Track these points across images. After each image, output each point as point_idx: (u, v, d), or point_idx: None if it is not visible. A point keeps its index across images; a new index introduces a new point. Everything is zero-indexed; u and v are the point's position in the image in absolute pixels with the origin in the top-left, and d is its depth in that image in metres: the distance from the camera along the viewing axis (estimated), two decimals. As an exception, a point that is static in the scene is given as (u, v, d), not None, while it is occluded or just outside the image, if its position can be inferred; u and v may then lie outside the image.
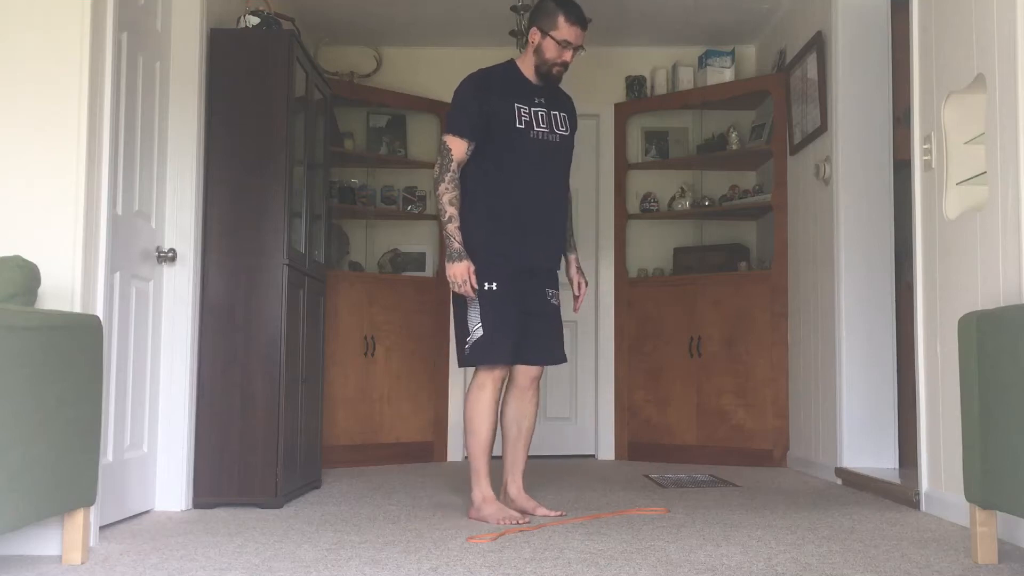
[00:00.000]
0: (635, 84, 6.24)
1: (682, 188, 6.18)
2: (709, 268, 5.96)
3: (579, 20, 3.64)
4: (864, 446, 4.64)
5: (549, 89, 3.73)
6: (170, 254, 3.77)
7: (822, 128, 4.96)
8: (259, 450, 3.87)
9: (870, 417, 4.66)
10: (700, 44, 6.21)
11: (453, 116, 3.64)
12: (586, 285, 3.89)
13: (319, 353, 4.59)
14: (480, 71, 3.72)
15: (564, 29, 3.61)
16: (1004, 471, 2.55)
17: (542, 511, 3.62)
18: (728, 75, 6.07)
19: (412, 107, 6.15)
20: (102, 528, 3.19)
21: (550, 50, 3.63)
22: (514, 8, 5.00)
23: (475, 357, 3.57)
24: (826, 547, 2.97)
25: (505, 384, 3.69)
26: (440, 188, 3.58)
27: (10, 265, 2.61)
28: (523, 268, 3.64)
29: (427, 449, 5.92)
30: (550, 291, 3.73)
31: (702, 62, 6.12)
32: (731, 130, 5.99)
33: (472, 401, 3.61)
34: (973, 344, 2.72)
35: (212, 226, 3.94)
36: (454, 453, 6.03)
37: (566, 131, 3.73)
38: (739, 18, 5.86)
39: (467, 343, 3.57)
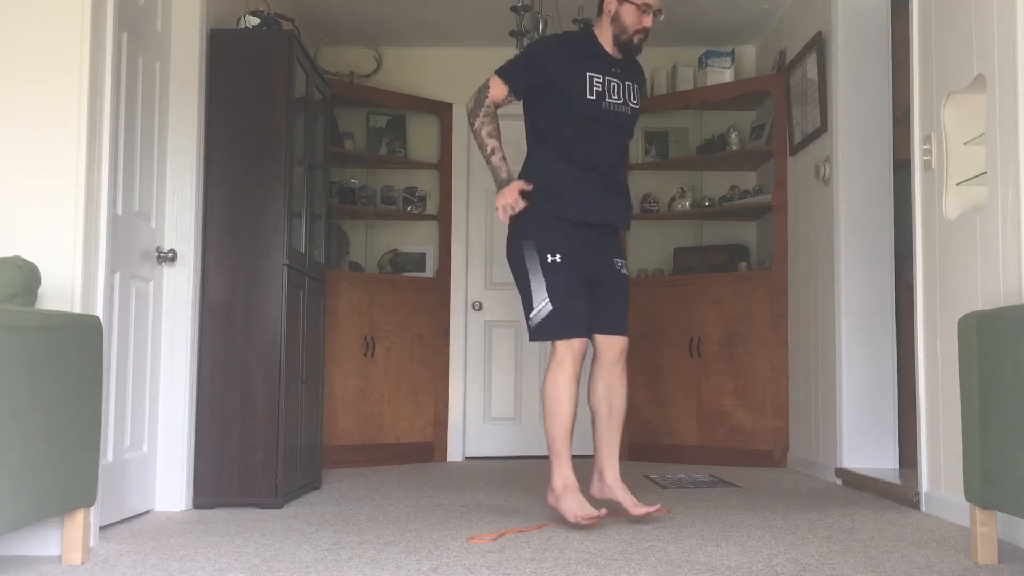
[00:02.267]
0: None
1: (682, 188, 6.18)
2: (709, 268, 5.96)
3: None
4: (864, 446, 4.64)
5: (625, 59, 3.59)
6: (170, 254, 3.77)
7: (822, 128, 4.96)
8: (259, 450, 3.87)
9: (870, 417, 4.65)
10: (700, 44, 6.21)
11: (513, 63, 3.54)
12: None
13: (319, 353, 4.59)
14: (561, 35, 3.60)
15: None
16: (1004, 471, 2.55)
17: (641, 510, 3.39)
18: (728, 75, 6.07)
19: (412, 107, 6.15)
20: (102, 528, 3.19)
21: (629, 15, 3.48)
22: (514, 8, 5.00)
23: (547, 331, 3.40)
24: (826, 547, 2.97)
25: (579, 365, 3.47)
26: (476, 123, 3.47)
27: (10, 265, 2.61)
28: (589, 225, 3.49)
29: (427, 449, 5.93)
30: (618, 261, 3.61)
31: (702, 62, 6.12)
32: (731, 130, 5.99)
33: (551, 379, 3.40)
34: (973, 344, 2.72)
35: (212, 226, 3.94)
36: (454, 453, 6.03)
37: (637, 104, 3.62)
38: (739, 18, 5.86)
39: (531, 318, 3.42)
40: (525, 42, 5.00)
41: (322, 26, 5.82)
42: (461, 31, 5.99)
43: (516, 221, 3.51)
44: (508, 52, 4.82)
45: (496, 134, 3.47)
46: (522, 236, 3.49)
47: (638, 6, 3.47)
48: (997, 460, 2.59)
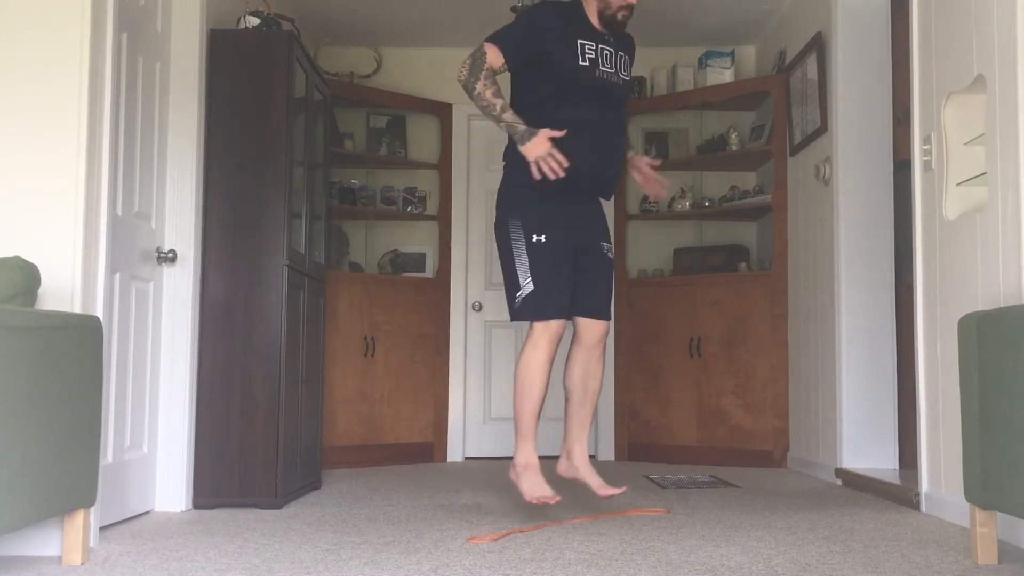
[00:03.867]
0: (635, 85, 6.23)
1: (682, 189, 6.18)
2: (709, 269, 5.96)
3: None
4: (864, 447, 4.64)
5: (614, 33, 3.55)
6: (170, 255, 3.77)
7: (822, 129, 4.96)
8: (259, 451, 3.87)
9: (870, 418, 4.65)
10: (700, 45, 6.21)
11: (506, 30, 3.48)
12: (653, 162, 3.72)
13: (319, 354, 4.59)
14: (552, 4, 3.54)
15: None
16: (1004, 472, 2.55)
17: (608, 491, 3.45)
18: (728, 76, 6.07)
19: (412, 108, 6.15)
20: (102, 529, 3.19)
21: None
22: (514, 9, 5.00)
23: (526, 311, 3.40)
24: (826, 548, 2.96)
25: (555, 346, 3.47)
26: (478, 86, 3.35)
27: (10, 266, 2.61)
28: (576, 198, 3.47)
29: (427, 450, 5.92)
30: (605, 244, 3.59)
31: (702, 63, 6.12)
32: (731, 131, 5.99)
33: (525, 359, 3.40)
34: (973, 345, 2.72)
35: (212, 227, 3.94)
36: (454, 454, 6.03)
37: (628, 76, 3.58)
38: (739, 18, 5.86)
39: (516, 297, 3.40)
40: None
41: (322, 26, 5.82)
42: (461, 31, 5.98)
43: (504, 197, 3.50)
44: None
45: (501, 94, 3.37)
46: (509, 214, 3.47)
47: None
48: (997, 460, 2.59)
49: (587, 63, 3.43)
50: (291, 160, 4.04)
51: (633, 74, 6.10)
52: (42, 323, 2.52)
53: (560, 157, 3.31)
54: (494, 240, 3.58)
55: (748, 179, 6.26)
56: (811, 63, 5.09)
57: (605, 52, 3.48)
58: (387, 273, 6.05)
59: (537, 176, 3.35)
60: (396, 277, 5.99)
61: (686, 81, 6.13)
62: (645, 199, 6.22)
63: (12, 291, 2.58)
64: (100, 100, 3.07)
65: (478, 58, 3.40)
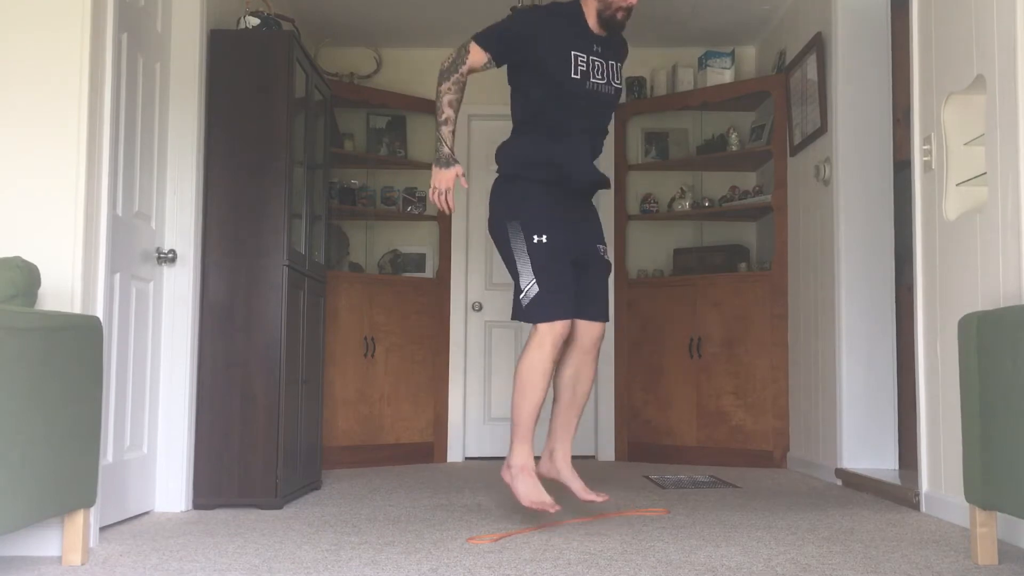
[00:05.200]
0: (635, 85, 6.24)
1: (682, 189, 6.18)
2: (709, 269, 5.96)
3: None
4: (864, 447, 4.64)
5: (610, 36, 3.54)
6: (170, 255, 3.77)
7: (822, 129, 4.96)
8: (259, 451, 3.87)
9: (870, 418, 4.65)
10: (700, 45, 6.21)
11: (497, 32, 3.48)
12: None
13: (319, 354, 4.59)
14: (542, 6, 3.53)
15: None
16: (1004, 472, 2.55)
17: (589, 496, 3.45)
18: (728, 76, 6.07)
19: (412, 108, 6.15)
20: (102, 529, 3.19)
21: None
22: (514, 9, 4.99)
23: (533, 313, 3.36)
24: (826, 548, 2.96)
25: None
26: (443, 86, 3.40)
27: (10, 266, 2.61)
28: (570, 197, 3.49)
29: (427, 450, 5.92)
30: (600, 247, 3.59)
31: (702, 63, 6.13)
32: (731, 131, 5.99)
33: (528, 360, 3.36)
34: (973, 345, 2.72)
35: (212, 227, 3.94)
36: (454, 454, 6.03)
37: (620, 84, 3.57)
38: (739, 19, 5.86)
39: (520, 298, 3.39)
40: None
41: (322, 26, 5.82)
42: (461, 31, 5.93)
43: (500, 197, 3.52)
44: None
45: (456, 104, 3.43)
46: (506, 215, 3.48)
47: None
48: (997, 460, 2.59)
49: (578, 76, 3.43)
50: (291, 160, 4.03)
51: (633, 74, 6.22)
52: (42, 323, 2.52)
53: (451, 201, 3.43)
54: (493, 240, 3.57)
55: (748, 179, 6.26)
56: (811, 63, 5.09)
57: (596, 63, 3.49)
58: (387, 273, 6.05)
59: (437, 203, 3.44)
60: (396, 277, 5.99)
61: (686, 81, 6.13)
62: (645, 199, 6.23)
63: (12, 291, 2.58)
64: (100, 100, 3.07)
65: (460, 56, 3.44)
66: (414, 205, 6.14)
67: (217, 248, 3.93)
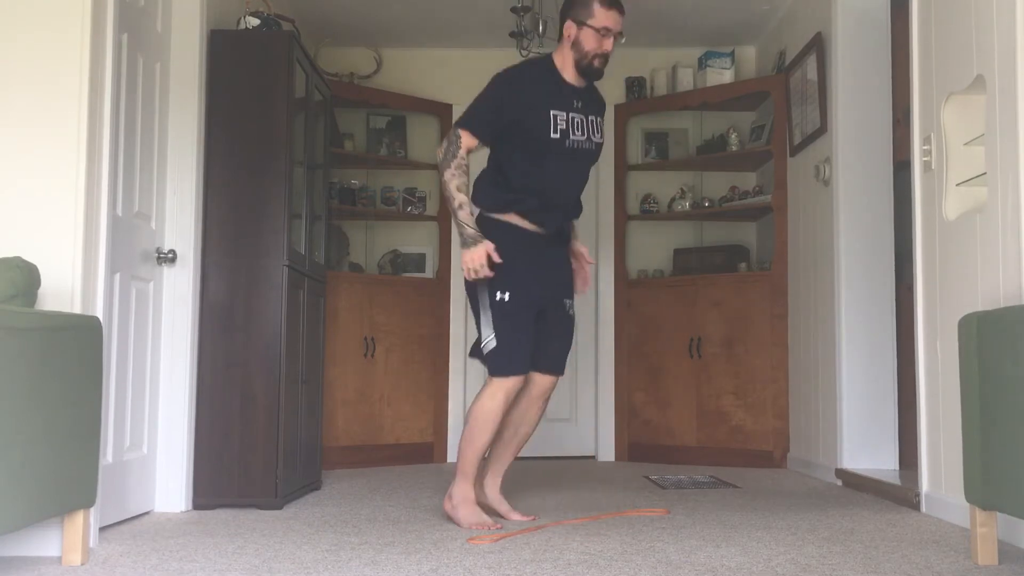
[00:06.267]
0: (635, 85, 6.24)
1: (682, 189, 6.18)
2: (709, 269, 5.96)
3: (615, 3, 3.44)
4: (864, 447, 4.64)
5: (586, 89, 3.57)
6: (170, 255, 3.77)
7: (822, 129, 4.96)
8: (259, 451, 3.86)
9: (870, 418, 4.65)
10: (700, 45, 6.21)
11: (474, 111, 3.50)
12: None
13: (319, 354, 4.59)
14: (516, 70, 3.56)
15: (601, 15, 3.42)
16: (1004, 472, 2.55)
17: (516, 516, 3.57)
18: (728, 76, 6.07)
19: (412, 108, 6.16)
20: (102, 529, 3.18)
21: (589, 41, 3.43)
22: (514, 9, 5.00)
23: (491, 365, 3.45)
24: (826, 548, 2.96)
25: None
26: (447, 174, 3.41)
27: (10, 266, 2.61)
28: (538, 248, 3.51)
29: (427, 450, 5.92)
30: (567, 301, 3.63)
31: (702, 63, 6.13)
32: (731, 131, 5.99)
33: (481, 407, 3.48)
34: (973, 345, 2.72)
35: (212, 227, 3.94)
36: (454, 454, 6.00)
37: (600, 138, 3.60)
38: (739, 19, 5.86)
39: (482, 347, 3.47)
40: (525, 43, 5.01)
41: (322, 26, 5.82)
42: (461, 31, 5.99)
43: None
44: (508, 53, 4.84)
45: (464, 188, 3.45)
46: None
47: (597, 30, 3.43)
48: (997, 460, 2.59)
49: (558, 135, 3.45)
50: (291, 160, 4.03)
51: (633, 74, 6.22)
52: (42, 323, 2.52)
53: (487, 273, 3.39)
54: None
55: (748, 179, 6.26)
56: (811, 63, 5.09)
57: (576, 120, 3.50)
58: (387, 273, 6.05)
59: (470, 278, 3.42)
60: (396, 277, 5.99)
61: (686, 81, 6.13)
62: (645, 199, 6.23)
63: (12, 291, 2.58)
64: (100, 100, 3.07)
65: (453, 142, 3.45)
66: (414, 205, 6.14)
67: (217, 248, 3.93)
